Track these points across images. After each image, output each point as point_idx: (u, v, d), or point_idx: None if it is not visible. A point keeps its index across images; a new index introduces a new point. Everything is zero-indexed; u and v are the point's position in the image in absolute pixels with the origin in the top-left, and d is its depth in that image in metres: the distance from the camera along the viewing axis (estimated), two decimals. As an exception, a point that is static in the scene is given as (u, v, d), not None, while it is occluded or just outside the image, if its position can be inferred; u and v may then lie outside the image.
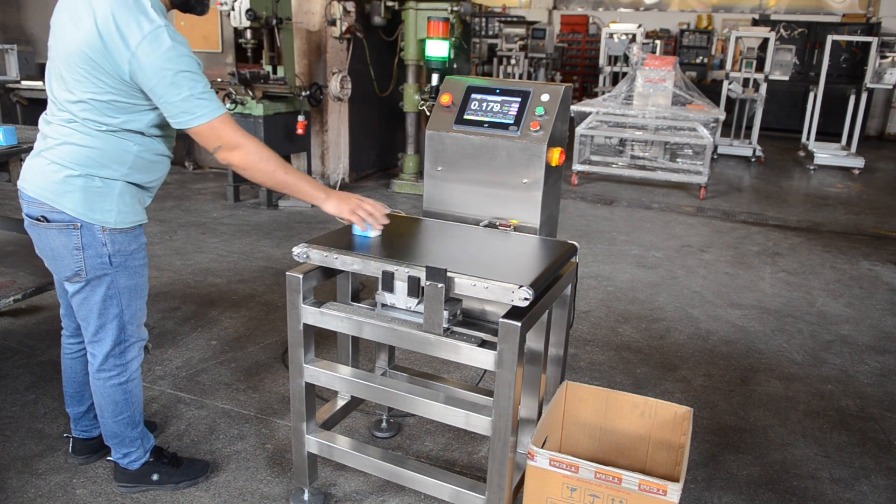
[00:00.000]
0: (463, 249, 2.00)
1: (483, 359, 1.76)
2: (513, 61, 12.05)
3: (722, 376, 3.25)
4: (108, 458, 2.29)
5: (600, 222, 5.96)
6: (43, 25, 7.81)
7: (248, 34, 5.62)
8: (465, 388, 2.41)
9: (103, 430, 2.22)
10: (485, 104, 2.21)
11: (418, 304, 1.87)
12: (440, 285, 1.73)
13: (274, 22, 5.62)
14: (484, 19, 13.35)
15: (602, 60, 11.59)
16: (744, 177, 8.45)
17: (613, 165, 7.66)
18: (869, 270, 4.90)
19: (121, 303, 2.05)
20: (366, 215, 2.02)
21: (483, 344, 1.79)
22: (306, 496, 2.21)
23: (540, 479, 1.86)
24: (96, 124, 1.88)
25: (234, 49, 6.80)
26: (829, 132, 10.56)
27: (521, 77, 12.02)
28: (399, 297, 1.90)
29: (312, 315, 1.97)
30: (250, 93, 5.53)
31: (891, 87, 9.14)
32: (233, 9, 5.46)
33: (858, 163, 8.80)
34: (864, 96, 9.03)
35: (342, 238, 2.02)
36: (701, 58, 13.59)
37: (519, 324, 1.67)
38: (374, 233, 2.01)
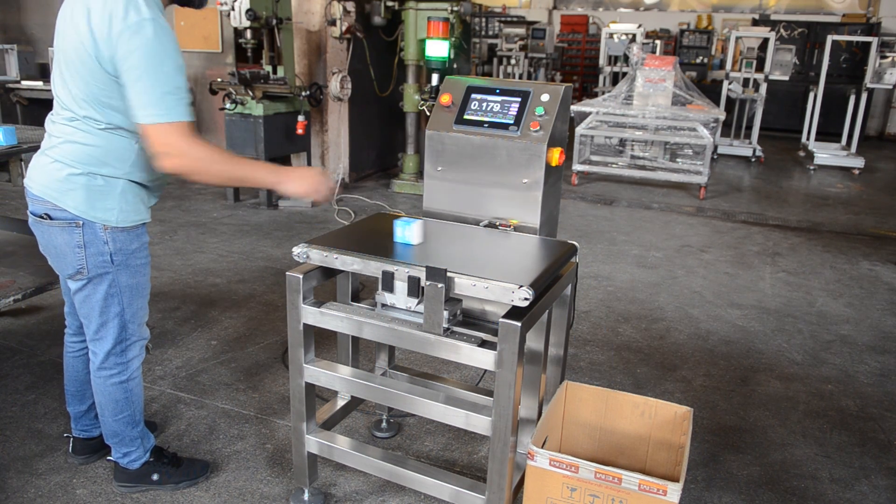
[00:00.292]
0: (463, 249, 2.00)
1: (483, 359, 1.76)
2: (513, 61, 12.04)
3: (722, 376, 3.25)
4: (109, 457, 2.29)
5: (600, 222, 5.96)
6: (43, 25, 7.80)
7: (248, 34, 5.62)
8: (465, 388, 2.41)
9: (103, 428, 2.22)
10: (485, 104, 2.21)
11: (418, 304, 1.87)
12: (440, 285, 1.73)
13: (274, 22, 5.62)
14: (484, 19, 13.35)
15: (602, 60, 11.58)
16: (744, 177, 8.45)
17: (613, 165, 7.66)
18: (869, 270, 4.90)
19: (122, 301, 2.05)
20: (327, 192, 2.05)
21: (483, 344, 1.79)
22: (306, 496, 2.21)
23: (540, 479, 1.86)
24: (96, 122, 1.88)
25: (234, 49, 6.80)
26: (829, 132, 10.56)
27: (521, 77, 12.02)
28: (399, 297, 1.90)
29: (312, 315, 1.97)
30: (250, 93, 5.53)
31: (891, 87, 9.13)
32: (233, 9, 5.46)
33: (858, 163, 8.80)
34: (864, 96, 9.03)
35: (342, 238, 2.02)
36: (701, 58, 13.59)
37: (519, 324, 1.67)
38: (416, 240, 1.96)
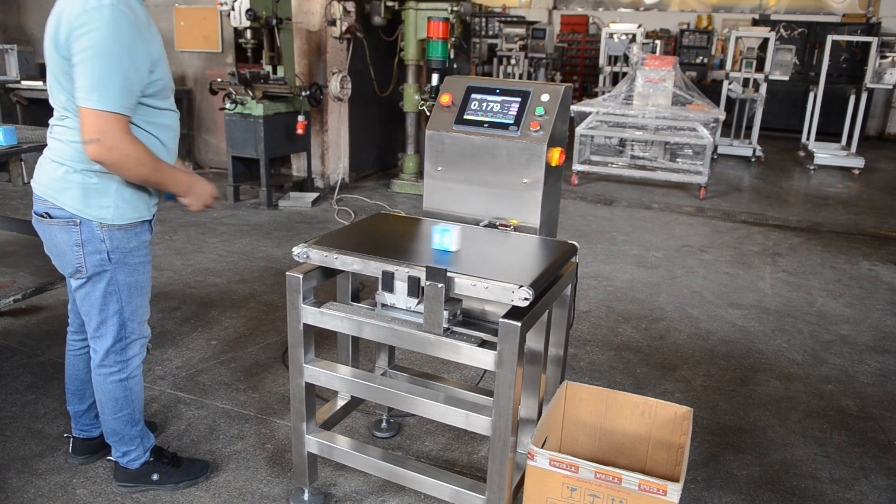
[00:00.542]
0: (463, 249, 2.00)
1: (483, 359, 1.76)
2: (513, 61, 12.05)
3: (722, 376, 3.25)
4: (109, 457, 2.29)
5: (600, 222, 5.96)
6: (43, 25, 7.77)
7: (248, 34, 5.62)
8: (465, 388, 2.41)
9: (104, 426, 2.22)
10: (485, 104, 2.21)
11: (418, 304, 1.87)
12: (440, 285, 1.73)
13: (274, 22, 5.62)
14: (484, 19, 13.35)
15: (602, 60, 11.59)
16: (744, 177, 8.45)
17: (613, 165, 7.66)
18: (869, 270, 4.90)
19: (121, 299, 2.05)
20: (208, 203, 2.13)
21: (483, 344, 1.79)
22: (306, 496, 2.21)
23: (540, 479, 1.86)
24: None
25: (234, 49, 6.79)
26: (829, 132, 10.56)
27: (521, 77, 12.03)
28: (399, 297, 1.90)
29: (312, 315, 1.97)
30: (250, 93, 5.53)
31: (891, 87, 9.13)
32: (233, 9, 5.46)
33: (858, 163, 8.80)
34: (864, 96, 9.03)
35: (342, 238, 2.02)
36: (701, 58, 13.59)
37: (519, 324, 1.67)
38: (455, 247, 1.93)
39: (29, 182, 2.46)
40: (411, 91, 6.49)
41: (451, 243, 1.92)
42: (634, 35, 11.19)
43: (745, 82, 9.62)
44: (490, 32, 13.65)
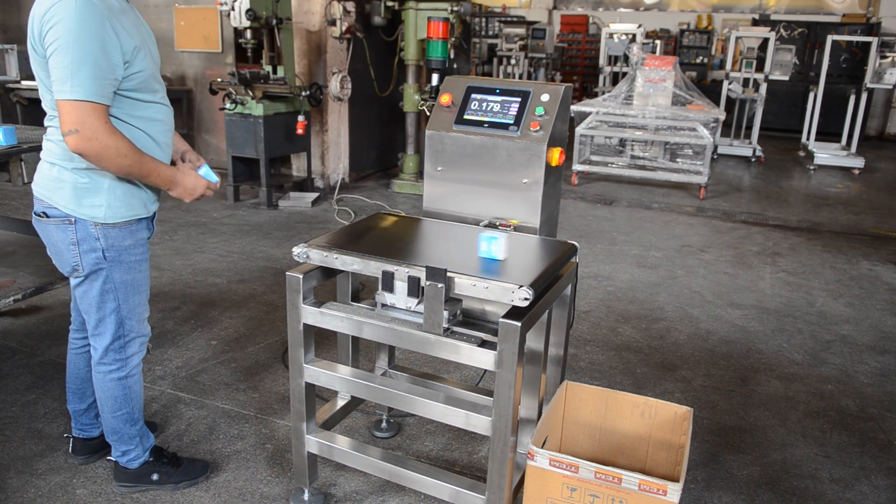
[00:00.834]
0: (463, 249, 2.00)
1: (483, 359, 1.76)
2: (513, 61, 12.04)
3: (722, 376, 3.25)
4: (108, 457, 2.30)
5: (600, 222, 5.96)
6: (43, 25, 7.80)
7: (248, 34, 5.62)
8: (465, 388, 2.41)
9: (103, 425, 2.23)
10: (485, 104, 2.21)
11: (418, 304, 1.87)
12: (440, 285, 1.73)
13: (274, 22, 5.62)
14: (484, 19, 13.35)
15: (602, 60, 11.58)
16: (744, 177, 8.45)
17: (613, 165, 7.66)
18: (869, 270, 4.90)
19: (118, 297, 2.06)
20: (203, 195, 2.14)
21: (483, 344, 1.79)
22: (306, 496, 2.21)
23: (540, 479, 1.86)
24: None
25: (234, 49, 6.80)
26: (829, 132, 10.55)
27: (521, 77, 12.02)
28: (399, 297, 1.90)
29: (312, 315, 1.97)
30: (250, 93, 5.53)
31: (891, 87, 9.13)
32: (233, 9, 5.46)
33: (858, 163, 8.80)
34: (864, 96, 9.02)
35: (342, 238, 2.02)
36: (701, 58, 13.59)
37: (519, 324, 1.67)
38: (502, 255, 1.88)
39: (29, 182, 2.46)
40: (411, 91, 6.49)
41: (498, 251, 1.87)
42: (634, 35, 11.19)
43: (745, 82, 9.62)
44: (490, 32, 13.64)
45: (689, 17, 14.45)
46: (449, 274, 1.73)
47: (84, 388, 2.33)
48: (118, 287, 2.05)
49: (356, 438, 2.52)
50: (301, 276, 1.94)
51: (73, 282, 2.07)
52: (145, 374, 2.98)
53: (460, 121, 2.21)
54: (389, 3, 6.34)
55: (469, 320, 2.05)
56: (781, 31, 12.44)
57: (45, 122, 1.99)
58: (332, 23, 6.21)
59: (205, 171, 2.18)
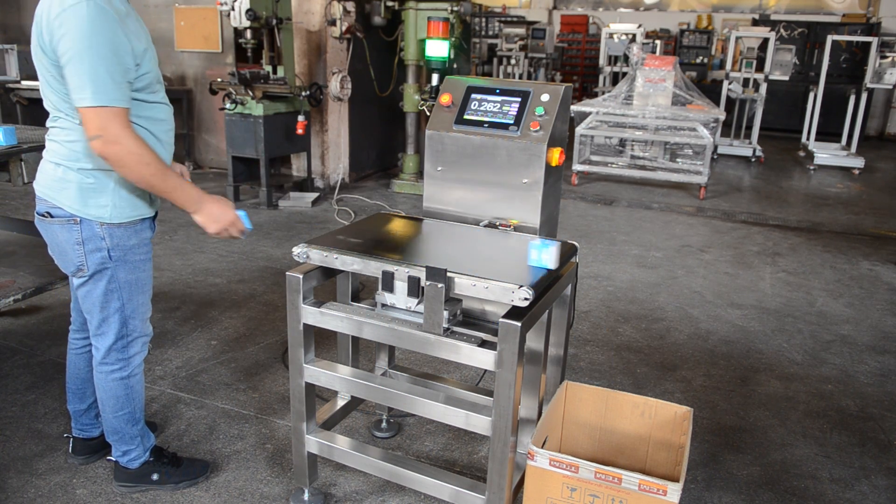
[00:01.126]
0: (463, 249, 2.00)
1: (483, 359, 1.76)
2: (513, 61, 12.04)
3: (722, 376, 3.25)
4: (109, 457, 2.30)
5: (600, 222, 5.96)
6: (43, 25, 7.78)
7: (248, 34, 5.62)
8: (465, 388, 2.41)
9: (104, 425, 2.22)
10: (485, 104, 2.20)
11: (418, 304, 1.87)
12: (440, 285, 1.73)
13: (274, 22, 5.62)
14: (484, 19, 13.35)
15: (602, 60, 11.58)
16: (744, 177, 8.45)
17: (613, 165, 7.66)
18: (869, 270, 4.90)
19: (122, 297, 2.06)
20: (227, 236, 2.10)
21: (483, 344, 1.79)
22: (306, 496, 2.21)
23: (540, 479, 1.86)
24: (72, 117, 1.90)
25: (234, 49, 6.79)
26: (829, 132, 10.56)
27: (521, 77, 12.02)
28: (399, 297, 1.90)
29: (312, 315, 1.97)
30: (250, 93, 5.53)
31: (891, 87, 9.13)
32: (233, 9, 5.46)
33: (858, 163, 8.80)
34: (864, 96, 9.03)
35: (342, 238, 2.02)
36: (701, 58, 13.59)
37: (519, 324, 1.67)
38: (553, 265, 1.84)
39: (29, 182, 2.46)
40: (411, 91, 6.49)
41: (549, 260, 1.84)
42: (634, 35, 11.19)
43: (745, 82, 9.62)
44: (490, 32, 13.65)
45: (689, 17, 14.45)
46: (449, 274, 1.73)
47: (84, 388, 2.33)
48: (123, 286, 2.05)
49: (356, 438, 2.52)
50: (301, 276, 1.94)
51: (75, 282, 2.07)
52: (145, 374, 2.98)
53: (460, 121, 2.21)
54: (389, 3, 6.35)
55: (469, 320, 2.05)
56: (781, 31, 12.44)
57: (49, 123, 1.98)
58: (332, 23, 6.21)
59: (242, 214, 2.12)
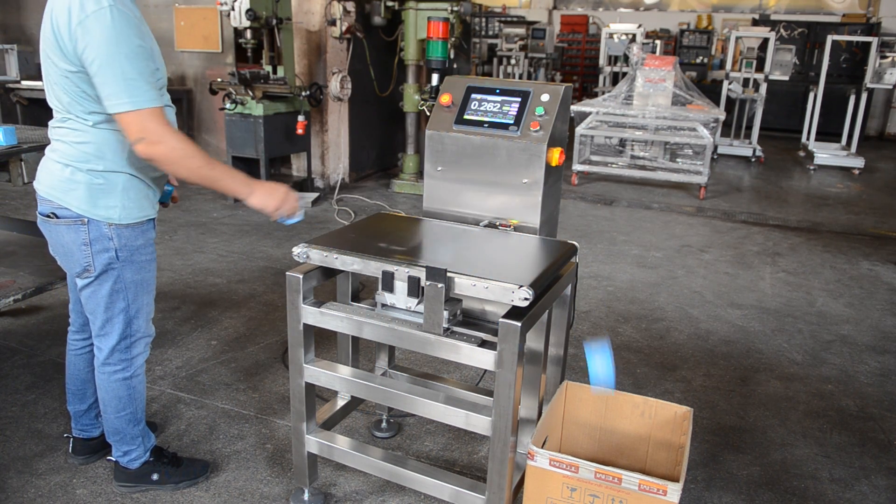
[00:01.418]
0: (463, 249, 2.00)
1: (483, 359, 1.76)
2: (513, 61, 12.04)
3: (722, 376, 3.25)
4: (109, 457, 2.30)
5: (600, 222, 5.96)
6: (43, 25, 7.79)
7: (248, 34, 5.62)
8: (465, 388, 2.41)
9: (105, 425, 2.22)
10: (485, 104, 2.21)
11: (418, 304, 1.87)
12: (440, 285, 1.73)
13: (274, 22, 5.62)
14: (484, 19, 13.34)
15: (602, 60, 11.58)
16: (744, 177, 8.45)
17: (613, 165, 7.66)
18: (869, 270, 4.90)
19: (127, 297, 2.06)
20: (287, 213, 2.07)
21: (483, 344, 1.79)
22: (306, 496, 2.21)
23: (540, 479, 1.86)
24: (84, 119, 1.90)
25: (234, 49, 6.79)
26: (829, 132, 10.55)
27: (521, 77, 12.02)
28: (399, 297, 1.90)
29: (312, 315, 1.97)
30: (250, 93, 5.53)
31: (891, 87, 9.13)
32: (233, 9, 5.46)
33: (858, 163, 8.80)
34: (864, 96, 9.03)
35: (342, 238, 2.02)
36: (701, 58, 13.59)
37: (519, 324, 1.67)
38: (613, 386, 2.01)
39: (29, 182, 2.46)
40: (411, 91, 6.49)
41: (609, 379, 2.02)
42: (634, 35, 11.18)
43: (745, 82, 9.62)
44: (490, 32, 13.64)
45: (689, 17, 14.45)
46: (449, 274, 1.73)
47: (84, 388, 2.33)
48: (128, 286, 2.06)
49: (356, 438, 2.52)
50: (301, 276, 1.94)
51: (80, 283, 2.05)
52: (145, 374, 2.98)
53: (460, 121, 2.21)
54: (389, 3, 6.34)
55: (469, 320, 2.05)
56: (781, 31, 12.44)
57: (55, 124, 1.97)
58: (332, 23, 6.21)
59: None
